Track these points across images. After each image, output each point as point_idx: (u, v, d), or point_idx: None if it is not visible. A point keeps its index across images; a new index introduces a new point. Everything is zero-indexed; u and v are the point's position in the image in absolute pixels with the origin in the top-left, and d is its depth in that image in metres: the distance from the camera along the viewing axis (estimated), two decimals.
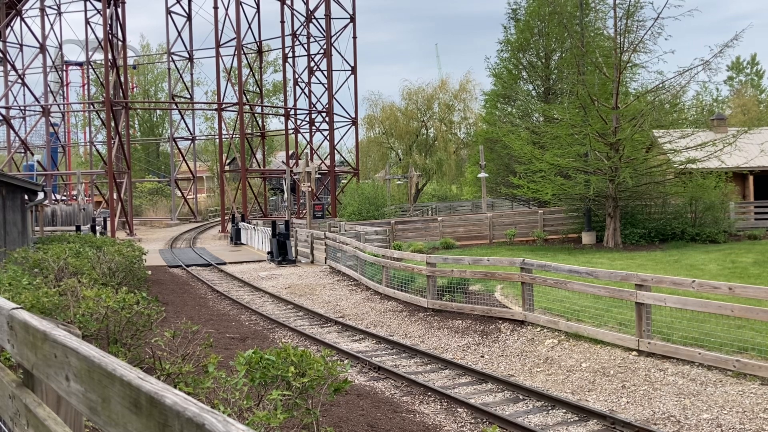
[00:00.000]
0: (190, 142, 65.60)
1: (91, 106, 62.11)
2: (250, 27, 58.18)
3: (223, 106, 51.40)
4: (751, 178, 30.69)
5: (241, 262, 29.09)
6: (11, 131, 55.59)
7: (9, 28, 56.68)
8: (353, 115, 56.49)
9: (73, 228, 34.51)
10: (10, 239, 17.93)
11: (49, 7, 58.41)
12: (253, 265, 28.00)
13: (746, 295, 9.54)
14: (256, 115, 62.25)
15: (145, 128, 78.27)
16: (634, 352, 10.52)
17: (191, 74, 62.35)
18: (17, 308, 3.35)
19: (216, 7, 49.33)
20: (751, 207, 29.70)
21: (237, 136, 53.15)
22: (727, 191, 28.29)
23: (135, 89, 76.22)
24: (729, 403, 8.33)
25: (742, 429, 7.65)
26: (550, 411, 8.71)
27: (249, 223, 41.60)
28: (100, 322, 7.37)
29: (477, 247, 28.54)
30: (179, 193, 63.32)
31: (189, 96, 62.95)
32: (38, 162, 58.73)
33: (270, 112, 66.31)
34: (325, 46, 54.54)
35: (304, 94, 57.95)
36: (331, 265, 24.38)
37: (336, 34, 55.12)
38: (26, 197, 19.19)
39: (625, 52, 26.19)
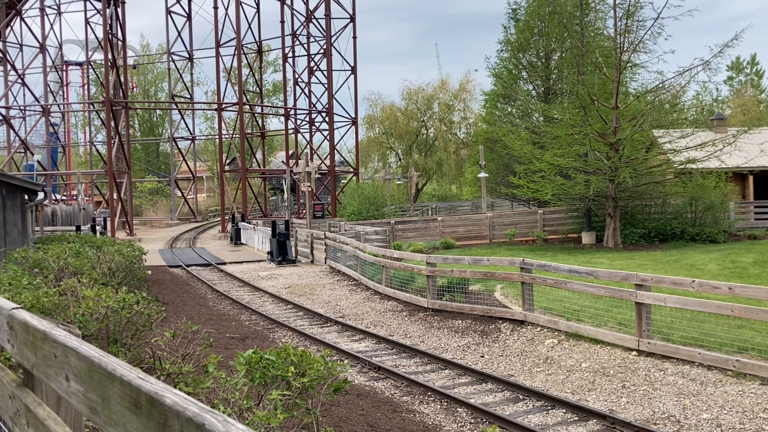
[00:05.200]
0: (190, 142, 65.61)
1: (91, 106, 62.12)
2: (250, 27, 58.24)
3: (223, 106, 51.40)
4: (751, 178, 30.69)
5: (241, 262, 29.09)
6: (11, 131, 55.60)
7: (9, 28, 56.67)
8: (353, 115, 56.51)
9: (73, 228, 34.51)
10: (10, 239, 17.93)
11: (49, 7, 58.43)
12: (253, 265, 28.01)
13: (746, 295, 9.54)
14: (256, 115, 62.25)
15: (145, 128, 78.27)
16: (634, 352, 10.52)
17: (191, 74, 62.36)
18: (17, 308, 3.35)
19: (216, 7, 49.34)
20: (751, 207, 29.69)
21: (237, 136, 53.15)
22: (727, 191, 28.29)
23: (135, 89, 76.21)
24: (729, 403, 8.33)
25: (741, 429, 7.65)
26: (550, 411, 8.71)
27: (249, 223, 41.60)
28: (100, 322, 7.37)
29: (477, 247, 28.53)
30: (179, 193, 63.32)
31: (189, 96, 62.95)
32: (38, 162, 58.73)
33: (270, 112, 66.34)
34: (325, 46, 54.54)
35: (304, 94, 57.99)
36: (331, 265, 24.38)
37: (336, 34, 55.15)
38: (26, 197, 19.19)
39: (625, 52, 26.19)
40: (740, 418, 7.91)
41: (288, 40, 57.93)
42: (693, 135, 26.13)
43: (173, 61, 61.74)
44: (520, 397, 9.36)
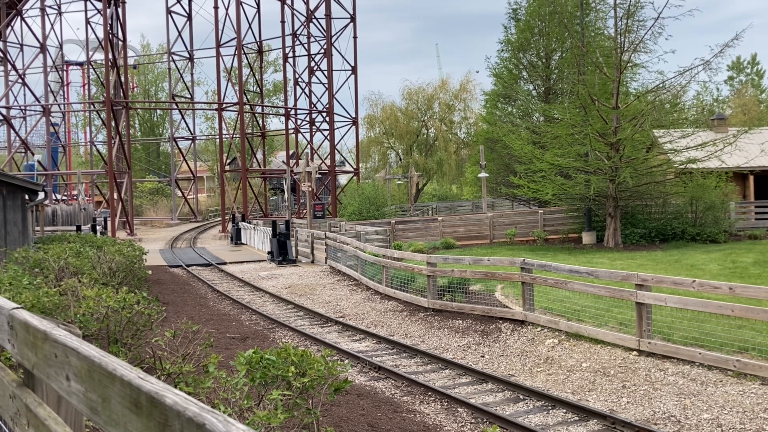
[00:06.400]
0: (190, 142, 65.63)
1: (92, 106, 62.13)
2: (250, 27, 58.25)
3: (224, 106, 51.41)
4: (751, 178, 30.68)
5: (242, 262, 29.09)
6: (12, 131, 55.61)
7: (9, 28, 56.68)
8: (353, 115, 56.51)
9: (74, 228, 34.53)
10: (10, 239, 17.93)
11: (50, 6, 58.43)
12: (254, 264, 28.00)
13: (747, 295, 9.54)
14: (256, 115, 62.25)
15: (146, 128, 78.27)
16: (635, 352, 10.52)
17: (191, 74, 62.37)
18: (18, 308, 3.35)
19: (216, 7, 49.34)
20: (751, 207, 29.68)
21: (237, 136, 53.15)
22: (727, 191, 28.27)
23: (135, 89, 76.23)
24: (729, 403, 8.33)
25: (742, 429, 7.65)
26: (551, 411, 8.71)
27: (249, 223, 41.60)
28: (101, 321, 7.37)
29: (477, 247, 28.53)
30: (179, 193, 63.33)
31: (189, 96, 62.96)
32: (39, 162, 58.75)
33: (270, 112, 66.34)
34: (325, 46, 54.54)
35: (305, 94, 58.00)
36: (332, 265, 24.37)
37: (336, 33, 55.14)
38: (27, 197, 19.19)
39: (625, 52, 26.17)
40: (741, 418, 7.91)
41: (288, 40, 57.97)
42: (693, 135, 26.12)
43: (173, 61, 61.74)
44: (521, 397, 9.36)
